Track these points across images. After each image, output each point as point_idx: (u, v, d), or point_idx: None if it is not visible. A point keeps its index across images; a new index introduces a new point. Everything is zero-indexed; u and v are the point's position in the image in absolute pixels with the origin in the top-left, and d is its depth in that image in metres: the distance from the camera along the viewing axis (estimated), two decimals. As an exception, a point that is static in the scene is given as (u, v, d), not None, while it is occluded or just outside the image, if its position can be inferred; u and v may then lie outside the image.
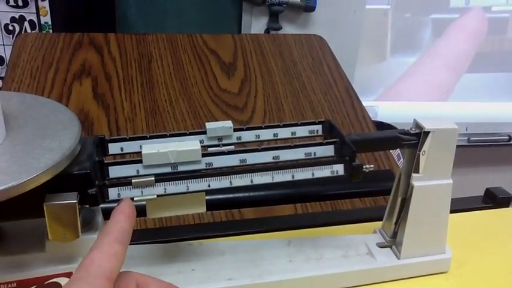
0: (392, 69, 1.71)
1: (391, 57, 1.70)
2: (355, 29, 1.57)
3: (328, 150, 0.41)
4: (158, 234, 0.53)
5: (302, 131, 0.44)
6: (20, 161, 0.33)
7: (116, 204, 0.40)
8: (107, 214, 0.43)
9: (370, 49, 1.67)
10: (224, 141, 0.43)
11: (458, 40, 1.69)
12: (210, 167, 0.39)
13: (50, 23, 1.37)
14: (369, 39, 1.64)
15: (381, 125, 1.45)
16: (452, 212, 0.47)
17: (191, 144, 0.39)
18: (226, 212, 0.61)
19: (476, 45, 1.71)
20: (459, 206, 0.58)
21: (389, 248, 0.48)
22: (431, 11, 1.65)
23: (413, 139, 0.43)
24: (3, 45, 1.38)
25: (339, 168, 0.41)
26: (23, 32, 1.36)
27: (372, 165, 0.41)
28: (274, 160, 0.40)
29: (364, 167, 0.40)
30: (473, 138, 1.75)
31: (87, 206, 0.37)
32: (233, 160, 0.40)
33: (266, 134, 0.43)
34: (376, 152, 0.73)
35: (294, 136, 0.44)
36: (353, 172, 0.40)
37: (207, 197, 0.41)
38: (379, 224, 0.51)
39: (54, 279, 0.38)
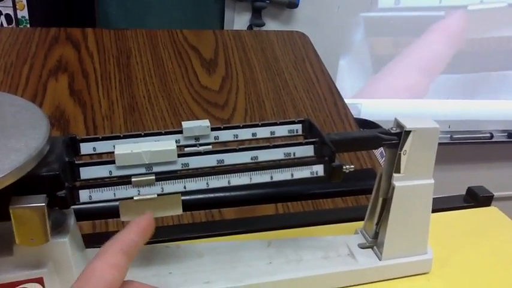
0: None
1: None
2: (338, 25, 1.56)
3: (307, 150, 0.40)
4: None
5: (281, 131, 0.43)
6: (-17, 162, 0.32)
7: (88, 206, 0.38)
8: (80, 216, 0.42)
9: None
10: (201, 141, 0.42)
11: (435, 42, 1.67)
12: (186, 167, 0.38)
13: (27, 17, 1.33)
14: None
15: (364, 123, 1.45)
16: (433, 211, 0.46)
17: (166, 144, 0.38)
18: (206, 212, 0.60)
19: (454, 48, 1.70)
20: (440, 205, 0.58)
21: (370, 249, 0.48)
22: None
23: (394, 139, 0.43)
24: (-21, 40, 1.34)
25: (319, 169, 0.40)
26: (-1, 27, 1.32)
27: (353, 166, 0.40)
28: (253, 160, 0.39)
29: (344, 167, 0.39)
30: (455, 136, 1.76)
31: (57, 208, 0.35)
32: (210, 160, 0.39)
33: (245, 134, 0.43)
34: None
35: (273, 136, 0.43)
36: (333, 173, 0.39)
37: (186, 197, 0.40)
38: (360, 224, 0.50)
39: (24, 285, 0.37)
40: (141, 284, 0.32)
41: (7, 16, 1.33)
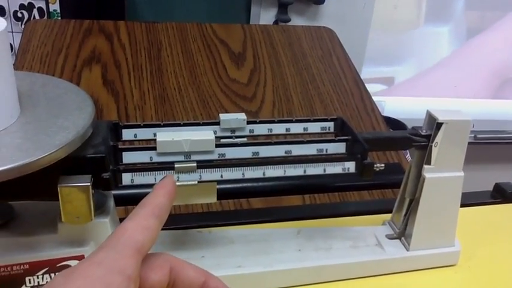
0: (423, 38, 1.69)
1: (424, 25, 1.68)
2: (364, 22, 1.56)
3: (339, 147, 0.42)
4: (167, 221, 0.53)
5: (314, 127, 0.45)
6: (34, 138, 0.33)
7: (126, 191, 0.40)
8: (119, 200, 0.44)
9: (404, 15, 1.64)
10: (237, 133, 0.43)
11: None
12: (223, 157, 0.40)
13: (58, 10, 1.36)
14: (404, 4, 1.61)
15: (388, 120, 1.45)
16: (461, 206, 0.47)
17: (206, 134, 0.39)
18: (235, 201, 0.61)
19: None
20: (468, 200, 0.58)
21: (398, 240, 0.49)
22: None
23: (423, 141, 0.43)
24: (12, 32, 1.38)
25: (351, 166, 0.41)
26: (31, 19, 1.36)
27: (383, 164, 0.41)
28: (287, 154, 0.41)
29: (375, 165, 0.40)
30: (480, 136, 1.75)
31: (100, 190, 0.37)
32: (246, 152, 0.40)
33: (278, 128, 0.44)
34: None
35: (305, 132, 0.44)
36: (364, 170, 0.40)
37: (217, 186, 0.41)
38: (387, 216, 0.51)
39: (66, 262, 0.38)
40: (173, 256, 0.31)
41: (39, 9, 1.36)
